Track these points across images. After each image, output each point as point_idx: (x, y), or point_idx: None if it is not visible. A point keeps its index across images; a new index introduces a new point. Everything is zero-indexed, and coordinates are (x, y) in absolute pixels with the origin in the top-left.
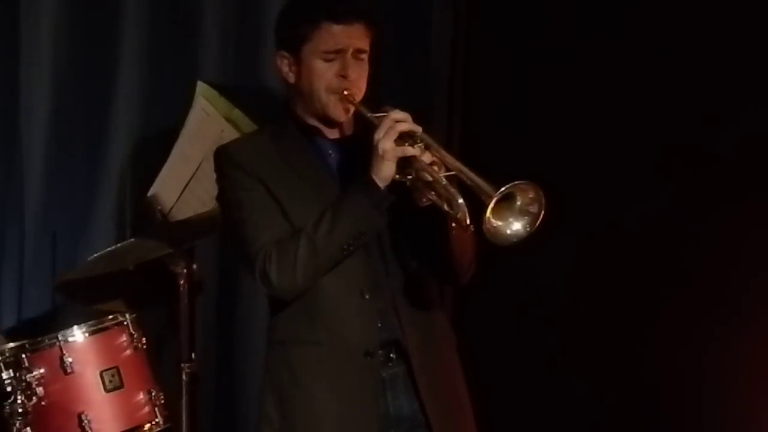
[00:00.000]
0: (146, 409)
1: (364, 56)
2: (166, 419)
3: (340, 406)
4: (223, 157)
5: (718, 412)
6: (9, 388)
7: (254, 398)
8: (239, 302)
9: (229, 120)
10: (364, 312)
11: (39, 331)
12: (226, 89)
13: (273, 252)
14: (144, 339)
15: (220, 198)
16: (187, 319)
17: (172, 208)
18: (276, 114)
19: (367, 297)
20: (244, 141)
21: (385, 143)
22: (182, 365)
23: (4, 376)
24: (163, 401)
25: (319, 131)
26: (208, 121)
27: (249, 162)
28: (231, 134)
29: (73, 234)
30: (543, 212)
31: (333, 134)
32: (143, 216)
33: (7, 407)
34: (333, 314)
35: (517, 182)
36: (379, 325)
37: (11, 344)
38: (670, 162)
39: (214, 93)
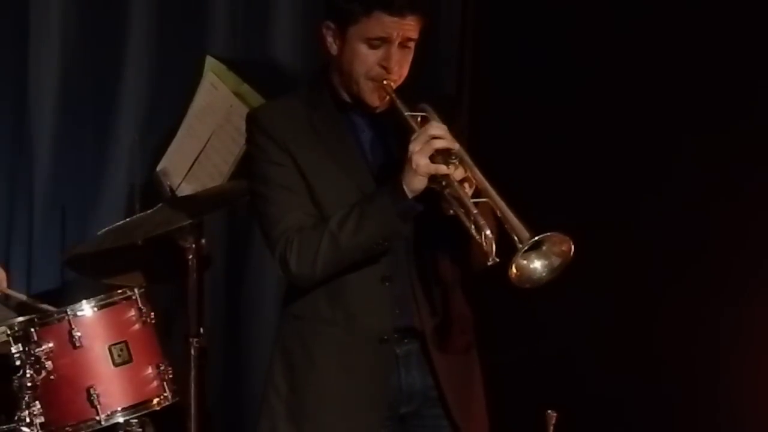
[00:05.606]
0: (155, 383)
1: (412, 44)
2: (174, 393)
3: (349, 385)
4: (254, 123)
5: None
6: (18, 362)
7: (262, 372)
8: (247, 277)
9: (237, 95)
10: (382, 298)
11: (48, 305)
12: (234, 64)
13: (295, 240)
14: (152, 313)
15: (247, 163)
16: (196, 293)
17: (180, 182)
18: (284, 90)
19: (387, 284)
20: (277, 107)
21: (420, 158)
22: (191, 339)
23: (13, 350)
24: (171, 375)
25: (353, 106)
26: (217, 96)
27: (279, 131)
28: (240, 109)
29: (82, 209)
30: (564, 265)
31: (367, 110)
32: (152, 191)
33: (16, 381)
34: (352, 298)
35: (551, 233)
36: (397, 311)
37: (20, 318)
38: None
39: (222, 68)
